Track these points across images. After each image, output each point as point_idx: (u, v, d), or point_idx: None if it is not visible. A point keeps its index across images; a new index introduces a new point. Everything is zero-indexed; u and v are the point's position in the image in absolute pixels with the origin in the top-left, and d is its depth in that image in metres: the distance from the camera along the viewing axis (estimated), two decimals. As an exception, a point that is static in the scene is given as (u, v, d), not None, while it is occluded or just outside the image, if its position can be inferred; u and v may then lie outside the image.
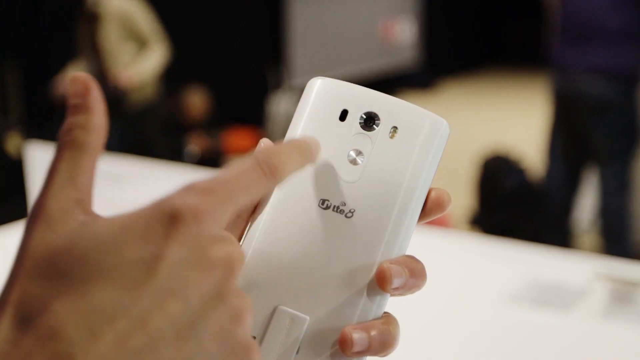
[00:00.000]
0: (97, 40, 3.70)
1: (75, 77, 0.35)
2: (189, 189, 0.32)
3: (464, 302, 1.45)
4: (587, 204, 3.38)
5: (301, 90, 0.44)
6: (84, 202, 0.33)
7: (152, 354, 0.29)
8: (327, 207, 0.40)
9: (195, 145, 4.54)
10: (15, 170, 3.21)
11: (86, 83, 0.35)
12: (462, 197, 3.69)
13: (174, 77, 4.81)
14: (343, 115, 0.41)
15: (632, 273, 1.43)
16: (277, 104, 5.34)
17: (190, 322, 0.30)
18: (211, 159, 4.43)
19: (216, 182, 0.33)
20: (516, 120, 6.64)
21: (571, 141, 3.04)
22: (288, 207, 0.40)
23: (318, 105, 0.42)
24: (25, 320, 0.29)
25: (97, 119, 0.35)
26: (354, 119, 0.41)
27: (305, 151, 0.38)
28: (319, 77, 0.43)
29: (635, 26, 2.83)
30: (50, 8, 4.76)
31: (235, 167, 0.34)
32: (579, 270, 1.53)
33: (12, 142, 4.10)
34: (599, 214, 3.10)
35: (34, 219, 0.32)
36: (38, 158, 1.37)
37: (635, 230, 3.09)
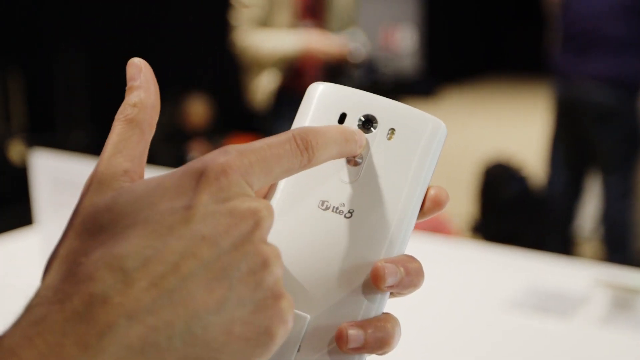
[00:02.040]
0: None
1: (131, 62, 0.39)
2: (221, 150, 0.34)
3: (465, 309, 1.46)
4: (589, 212, 3.38)
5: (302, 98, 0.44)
6: (132, 172, 0.35)
7: (184, 294, 0.30)
8: (327, 208, 0.41)
9: (197, 153, 4.54)
10: (18, 177, 3.22)
11: (140, 66, 0.38)
12: (464, 204, 3.70)
13: (175, 85, 4.81)
14: (342, 119, 0.42)
15: (632, 280, 1.43)
16: (279, 111, 5.35)
17: (222, 265, 0.31)
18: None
19: (248, 146, 0.34)
20: (517, 127, 6.64)
21: (573, 148, 3.04)
22: (287, 208, 0.41)
23: (318, 109, 0.43)
24: (69, 270, 0.31)
25: (148, 97, 0.38)
26: (353, 121, 0.42)
27: (348, 139, 0.39)
28: (320, 82, 0.44)
29: (637, 34, 2.84)
30: (54, 15, 4.78)
31: (271, 138, 0.36)
32: (580, 277, 1.54)
33: (16, 150, 4.11)
34: (600, 222, 3.10)
35: (87, 184, 0.35)
36: (42, 165, 1.37)
37: (637, 237, 3.09)
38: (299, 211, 0.41)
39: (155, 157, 3.82)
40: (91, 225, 0.32)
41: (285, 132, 0.36)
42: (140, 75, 0.38)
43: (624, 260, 2.76)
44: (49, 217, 1.39)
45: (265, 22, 2.76)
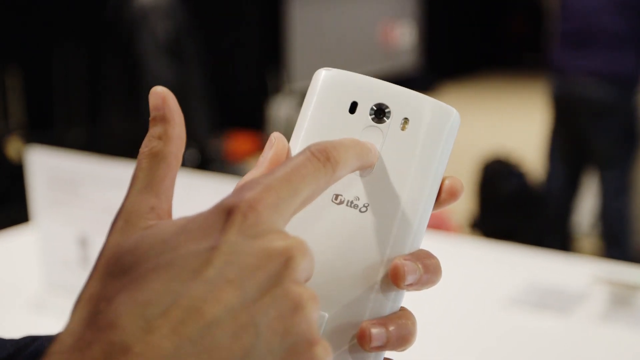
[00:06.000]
0: None
1: (154, 90, 0.37)
2: (245, 186, 0.32)
3: (463, 306, 1.45)
4: (587, 208, 3.38)
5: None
6: (159, 208, 0.34)
7: (208, 342, 0.29)
8: (341, 202, 0.40)
9: (195, 149, 4.54)
10: (15, 174, 3.21)
11: (164, 96, 0.36)
12: (463, 201, 3.69)
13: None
14: (353, 108, 0.41)
15: (631, 276, 1.43)
16: (278, 108, 5.35)
17: (248, 310, 0.30)
18: (211, 164, 4.43)
19: (272, 176, 0.33)
20: (516, 123, 6.64)
21: (571, 144, 3.04)
22: None
23: (327, 97, 0.41)
24: (92, 315, 0.30)
25: (173, 129, 0.36)
26: (364, 111, 0.41)
27: (365, 151, 0.38)
28: (326, 68, 0.42)
29: (635, 30, 2.83)
30: (51, 12, 4.77)
31: (291, 160, 0.34)
32: (579, 273, 1.53)
33: (13, 146, 4.10)
34: (599, 218, 3.10)
35: (114, 223, 0.34)
36: (39, 162, 1.37)
37: (635, 233, 3.09)
38: (313, 205, 0.39)
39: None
40: (114, 268, 0.31)
41: (302, 150, 0.35)
42: (164, 106, 0.36)
43: (622, 257, 2.76)
44: (46, 215, 1.39)
45: None
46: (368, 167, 0.39)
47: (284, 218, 0.32)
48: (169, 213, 0.35)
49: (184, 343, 0.29)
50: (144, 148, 0.36)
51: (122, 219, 0.34)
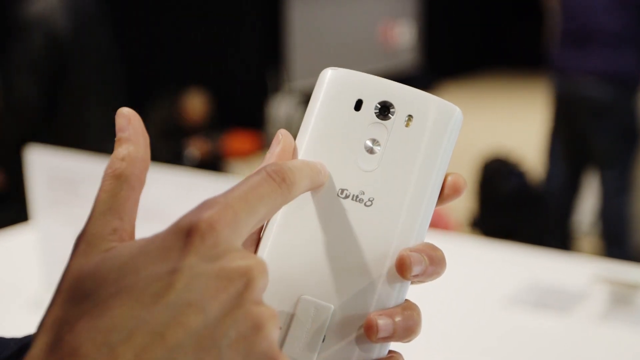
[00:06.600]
0: None
1: (120, 112, 0.37)
2: (204, 204, 0.32)
3: (463, 305, 1.45)
4: (587, 207, 3.38)
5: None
6: (121, 230, 0.34)
7: None
8: (346, 197, 0.40)
9: (195, 148, 4.54)
10: (14, 173, 3.20)
11: (129, 117, 0.37)
12: (463, 200, 3.69)
13: (173, 80, 4.81)
14: (358, 105, 0.42)
15: (631, 275, 1.43)
16: (277, 107, 5.35)
17: (210, 333, 0.30)
18: (211, 163, 4.43)
19: (230, 195, 0.33)
20: (516, 122, 6.64)
21: (571, 144, 3.04)
22: (307, 197, 0.40)
23: (332, 95, 0.42)
24: (54, 342, 0.30)
25: (137, 151, 0.36)
26: (369, 108, 0.42)
27: (315, 172, 0.38)
28: (332, 67, 0.43)
29: (634, 29, 2.83)
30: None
31: (247, 180, 0.34)
32: (579, 272, 1.53)
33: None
34: (599, 217, 3.10)
35: (76, 245, 0.34)
36: (39, 162, 1.37)
37: (635, 232, 3.09)
38: (319, 200, 0.40)
39: (153, 154, 3.80)
40: (76, 292, 0.31)
41: (258, 170, 0.35)
42: (129, 127, 0.37)
43: (622, 256, 2.76)
44: (46, 214, 1.39)
45: None
46: (318, 187, 0.40)
47: (241, 236, 0.33)
48: (132, 235, 0.35)
49: None
50: (108, 169, 0.36)
51: (84, 241, 0.33)
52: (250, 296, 0.31)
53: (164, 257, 0.31)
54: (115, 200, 0.35)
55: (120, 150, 0.36)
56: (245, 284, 0.31)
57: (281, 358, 0.32)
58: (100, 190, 0.35)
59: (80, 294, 0.31)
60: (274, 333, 0.32)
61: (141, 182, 0.36)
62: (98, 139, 2.73)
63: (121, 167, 0.36)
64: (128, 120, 0.37)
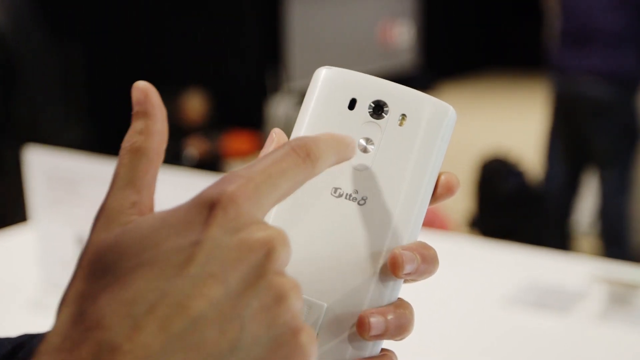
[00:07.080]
0: None
1: (137, 85, 0.37)
2: (225, 178, 0.32)
3: (462, 305, 1.45)
4: (586, 207, 3.38)
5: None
6: (140, 204, 0.34)
7: (195, 337, 0.29)
8: (340, 195, 0.41)
9: (193, 148, 4.54)
10: (13, 173, 3.20)
11: (146, 90, 0.36)
12: (461, 200, 3.69)
13: (172, 80, 4.81)
14: (352, 104, 0.42)
15: (630, 275, 1.43)
16: (276, 107, 5.35)
17: (232, 304, 0.30)
18: (210, 163, 4.43)
19: (252, 169, 0.33)
20: (515, 122, 6.64)
21: (571, 143, 3.04)
22: (300, 196, 0.40)
23: (327, 94, 0.42)
24: (78, 315, 0.30)
25: (154, 124, 0.36)
26: (363, 107, 0.42)
27: (343, 144, 0.38)
28: (326, 66, 0.43)
29: (634, 29, 2.83)
30: (51, 7, 4.76)
31: (271, 155, 0.34)
32: (578, 272, 1.53)
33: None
34: (598, 217, 3.10)
35: (96, 220, 0.34)
36: (37, 162, 1.36)
37: (635, 232, 3.09)
38: (312, 198, 0.41)
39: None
40: (97, 266, 0.31)
41: (282, 145, 0.35)
42: (146, 100, 0.36)
43: (621, 256, 2.76)
44: (45, 215, 1.39)
45: None
46: (346, 160, 0.39)
47: (263, 210, 0.33)
48: (151, 208, 0.35)
49: (172, 339, 0.29)
50: (126, 143, 0.36)
51: (104, 215, 0.34)
52: (272, 267, 0.31)
53: (185, 229, 0.31)
54: (134, 174, 0.35)
55: (138, 123, 0.36)
56: (265, 254, 0.31)
57: (306, 329, 0.32)
58: (119, 164, 0.35)
59: (101, 267, 0.31)
60: (297, 304, 0.32)
61: (159, 156, 0.36)
62: (50, 131, 2.74)
63: (139, 141, 0.35)
64: (145, 94, 0.36)
